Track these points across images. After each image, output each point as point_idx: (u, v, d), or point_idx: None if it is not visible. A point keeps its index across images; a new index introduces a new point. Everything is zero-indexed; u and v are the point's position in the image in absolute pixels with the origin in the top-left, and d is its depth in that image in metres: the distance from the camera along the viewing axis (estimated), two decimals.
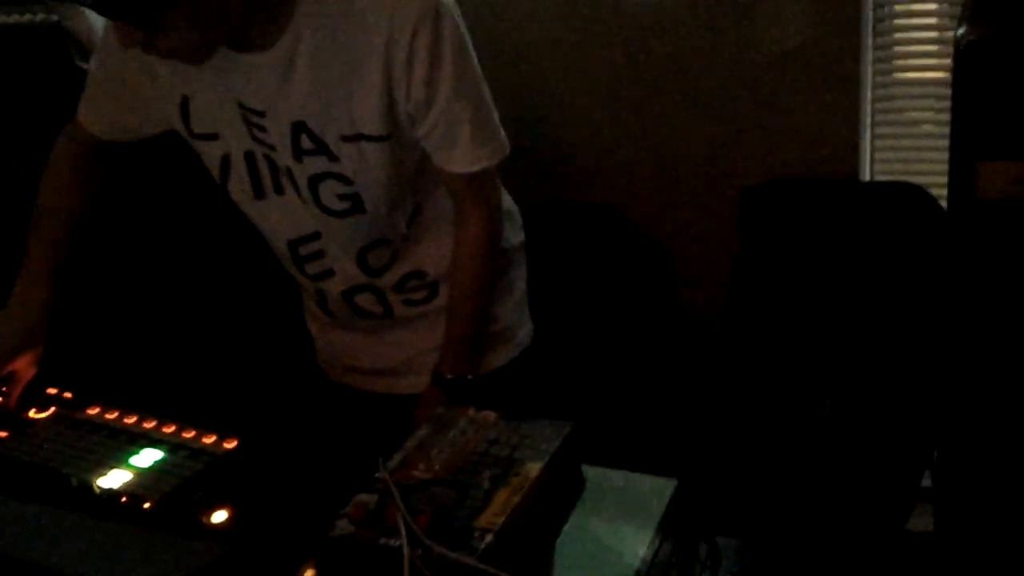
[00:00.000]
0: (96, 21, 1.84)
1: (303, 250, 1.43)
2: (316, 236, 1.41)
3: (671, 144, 2.27)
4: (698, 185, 2.28)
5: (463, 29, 1.29)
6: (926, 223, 1.99)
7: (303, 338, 1.62)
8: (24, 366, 1.41)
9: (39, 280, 1.44)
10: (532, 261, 1.59)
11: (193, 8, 1.11)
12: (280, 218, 1.40)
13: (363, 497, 1.02)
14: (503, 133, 1.36)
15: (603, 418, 1.53)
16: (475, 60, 1.32)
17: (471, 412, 1.15)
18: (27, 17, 1.89)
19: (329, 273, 1.45)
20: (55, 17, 1.85)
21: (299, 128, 1.29)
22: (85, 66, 1.76)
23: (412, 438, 1.12)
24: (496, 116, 1.35)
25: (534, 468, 1.05)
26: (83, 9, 1.76)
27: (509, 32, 2.25)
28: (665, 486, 1.12)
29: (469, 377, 1.42)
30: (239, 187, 1.39)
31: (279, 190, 1.37)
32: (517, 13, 2.24)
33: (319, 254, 1.43)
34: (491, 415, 1.14)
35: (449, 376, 1.41)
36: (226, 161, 1.37)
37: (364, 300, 1.47)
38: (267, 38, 1.24)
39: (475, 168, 1.34)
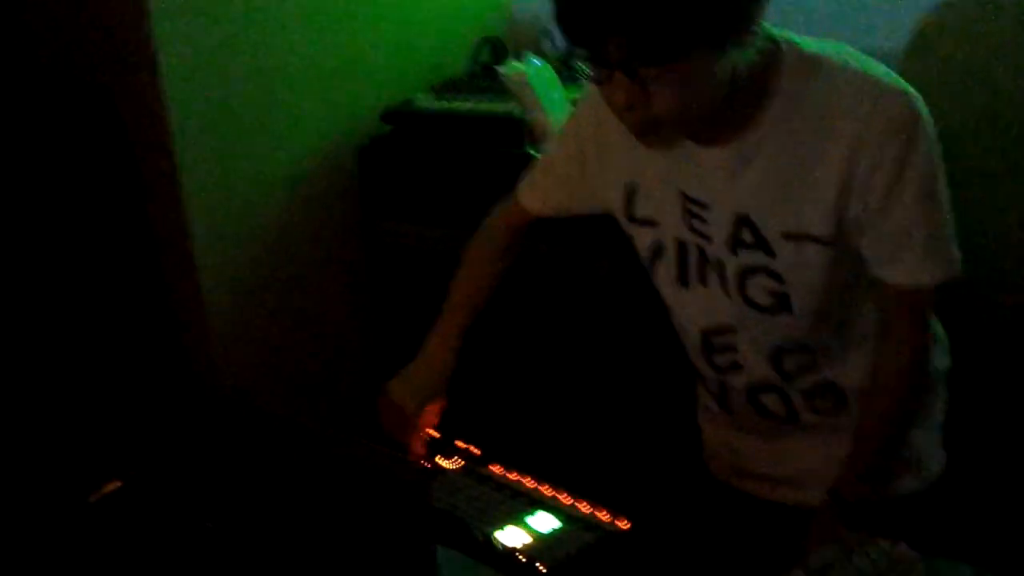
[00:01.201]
0: (550, 119, 1.99)
1: (716, 341, 1.42)
2: (731, 329, 1.40)
3: None
4: None
5: (936, 148, 1.24)
6: None
7: (692, 432, 1.60)
8: (430, 416, 1.55)
9: (448, 340, 1.57)
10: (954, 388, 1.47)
11: (691, 68, 1.14)
12: (699, 308, 1.41)
13: None
14: (957, 254, 1.28)
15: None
16: (944, 179, 1.25)
17: (885, 543, 1.07)
18: (496, 106, 2.10)
19: (737, 367, 1.43)
20: (518, 110, 2.03)
21: (742, 221, 1.30)
22: (534, 153, 1.93)
23: (815, 556, 1.06)
24: (952, 233, 1.28)
25: None
26: (544, 107, 1.98)
27: None
28: None
29: (872, 499, 1.33)
30: (665, 273, 1.41)
31: (703, 281, 1.38)
32: None
33: (731, 347, 1.42)
34: (909, 553, 1.06)
35: (848, 496, 1.33)
36: (659, 247, 1.40)
37: (769, 400, 1.44)
38: (729, 133, 1.26)
39: (916, 282, 1.28)
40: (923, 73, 1.98)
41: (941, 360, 1.46)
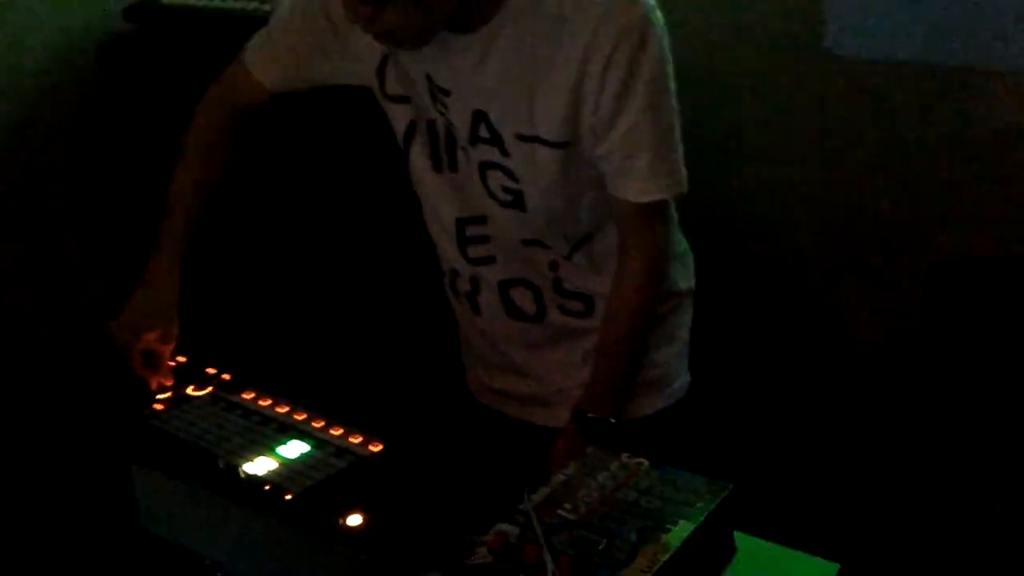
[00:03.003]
0: None
1: (470, 231, 1.41)
2: (483, 220, 1.39)
3: (860, 207, 2.17)
4: (882, 255, 2.17)
5: (667, 57, 1.25)
6: None
7: (456, 356, 1.60)
8: (159, 341, 1.41)
9: (172, 260, 1.44)
10: (699, 308, 1.53)
11: None
12: (452, 194, 1.39)
13: (504, 527, 0.98)
14: (684, 171, 1.30)
15: (759, 484, 1.45)
16: (672, 92, 1.27)
17: (624, 457, 1.10)
18: (240, 4, 1.97)
19: (490, 260, 1.42)
20: (268, 7, 1.91)
21: (479, 116, 1.29)
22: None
23: (559, 474, 1.08)
24: (680, 152, 1.30)
25: (686, 527, 0.99)
26: None
27: (713, 74, 2.20)
28: (825, 571, 1.04)
29: (612, 421, 1.37)
30: (420, 156, 1.39)
31: (454, 166, 1.36)
32: (724, 58, 2.19)
33: (484, 239, 1.41)
34: (645, 463, 1.09)
35: (591, 416, 1.37)
36: (412, 127, 1.37)
37: (519, 295, 1.43)
38: (472, 23, 1.24)
39: (646, 199, 1.29)
40: None
41: (685, 279, 1.49)
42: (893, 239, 2.16)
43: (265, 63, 1.42)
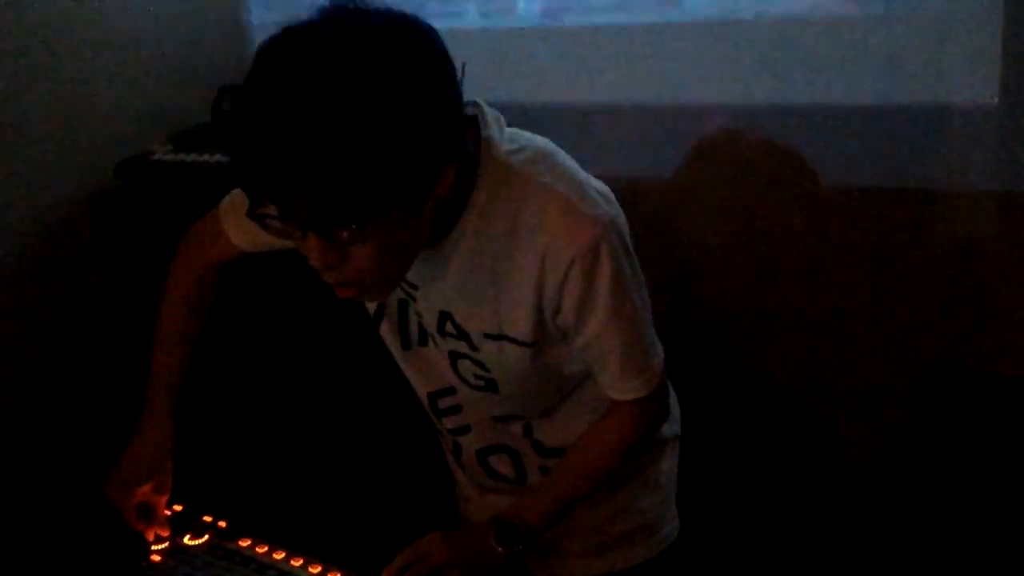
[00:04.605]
0: None
1: (442, 403, 1.41)
2: (452, 391, 1.39)
3: (846, 326, 2.20)
4: (872, 368, 2.20)
5: (624, 263, 1.22)
6: None
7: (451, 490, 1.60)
8: (154, 493, 1.41)
9: (163, 413, 1.44)
10: (686, 437, 1.51)
11: (388, 228, 1.05)
12: (422, 368, 1.39)
13: None
14: (658, 360, 1.30)
15: None
16: (635, 287, 1.25)
17: None
18: (204, 157, 2.02)
19: (466, 429, 1.43)
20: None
21: (445, 316, 1.29)
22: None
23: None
24: (653, 345, 1.30)
25: None
26: None
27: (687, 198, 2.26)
28: None
29: (521, 544, 1.29)
30: (389, 331, 1.38)
31: (423, 342, 1.37)
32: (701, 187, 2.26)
33: (457, 408, 1.41)
34: None
35: (508, 519, 1.29)
36: (381, 305, 1.36)
37: (498, 462, 1.43)
38: (431, 240, 1.20)
39: (624, 398, 1.30)
40: None
41: (671, 428, 1.48)
42: (875, 355, 2.19)
43: (237, 229, 1.38)
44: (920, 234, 2.09)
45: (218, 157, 2.05)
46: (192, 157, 2.09)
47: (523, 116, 1.30)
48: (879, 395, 2.19)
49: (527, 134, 1.25)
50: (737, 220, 2.23)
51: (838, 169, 2.12)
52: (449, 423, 1.43)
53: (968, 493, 1.94)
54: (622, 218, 1.25)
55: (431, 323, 1.31)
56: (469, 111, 1.19)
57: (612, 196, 1.26)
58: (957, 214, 2.05)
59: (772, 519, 2.15)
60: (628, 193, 1.32)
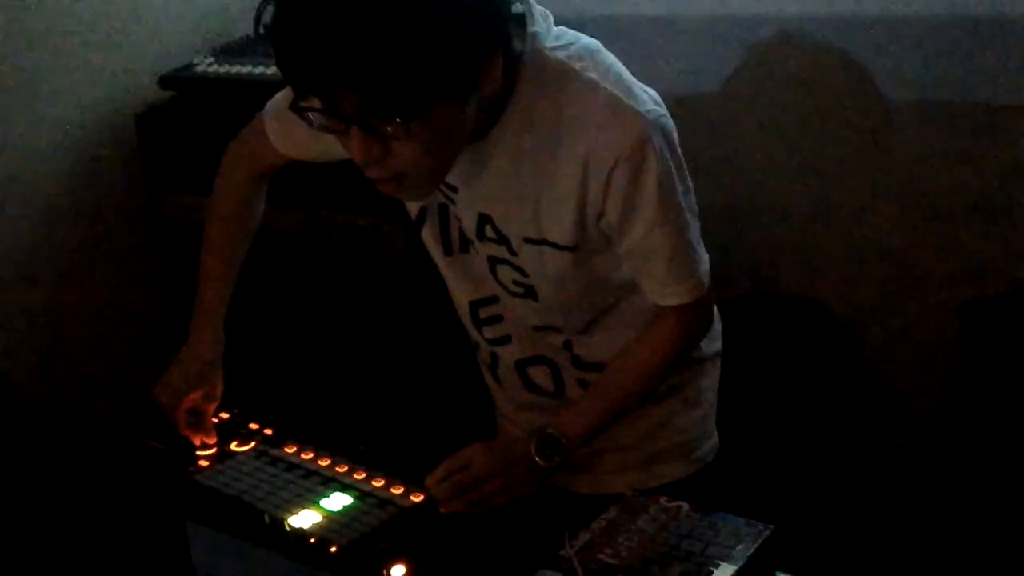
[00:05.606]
0: None
1: (483, 312, 1.41)
2: (495, 300, 1.39)
3: (896, 246, 2.17)
4: (920, 292, 2.16)
5: (671, 165, 1.20)
6: None
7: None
8: (203, 401, 1.43)
9: (213, 320, 1.46)
10: (728, 358, 1.50)
11: (434, 122, 1.05)
12: (464, 277, 1.39)
13: (546, 573, 0.99)
14: (704, 269, 1.28)
15: (799, 526, 1.44)
16: (683, 193, 1.23)
17: (664, 500, 1.11)
18: (272, 71, 1.98)
19: (506, 339, 1.42)
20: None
21: (484, 218, 1.28)
22: None
23: (599, 519, 1.09)
24: (698, 252, 1.27)
25: (727, 570, 0.99)
26: None
27: (726, 125, 2.22)
28: None
29: (562, 453, 1.28)
30: (431, 237, 1.38)
31: (465, 248, 1.36)
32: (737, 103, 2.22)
33: (498, 318, 1.41)
34: (685, 506, 1.10)
35: (550, 432, 1.28)
36: (423, 209, 1.36)
37: (537, 373, 1.43)
38: (478, 131, 1.19)
39: (664, 303, 1.29)
40: None
41: (712, 344, 1.46)
42: (924, 278, 2.16)
43: (277, 134, 1.39)
44: (975, 153, 2.04)
45: (261, 69, 2.03)
46: (236, 69, 2.07)
47: (576, 27, 1.27)
48: (928, 317, 2.17)
49: (574, 32, 1.23)
50: (788, 135, 2.19)
51: (892, 83, 2.07)
52: (489, 333, 1.42)
53: (1016, 419, 1.92)
54: (671, 122, 1.22)
55: (470, 227, 1.31)
56: (517, 8, 1.17)
57: (660, 100, 1.24)
58: (1014, 134, 2.00)
59: (812, 445, 2.15)
60: (677, 106, 1.29)
